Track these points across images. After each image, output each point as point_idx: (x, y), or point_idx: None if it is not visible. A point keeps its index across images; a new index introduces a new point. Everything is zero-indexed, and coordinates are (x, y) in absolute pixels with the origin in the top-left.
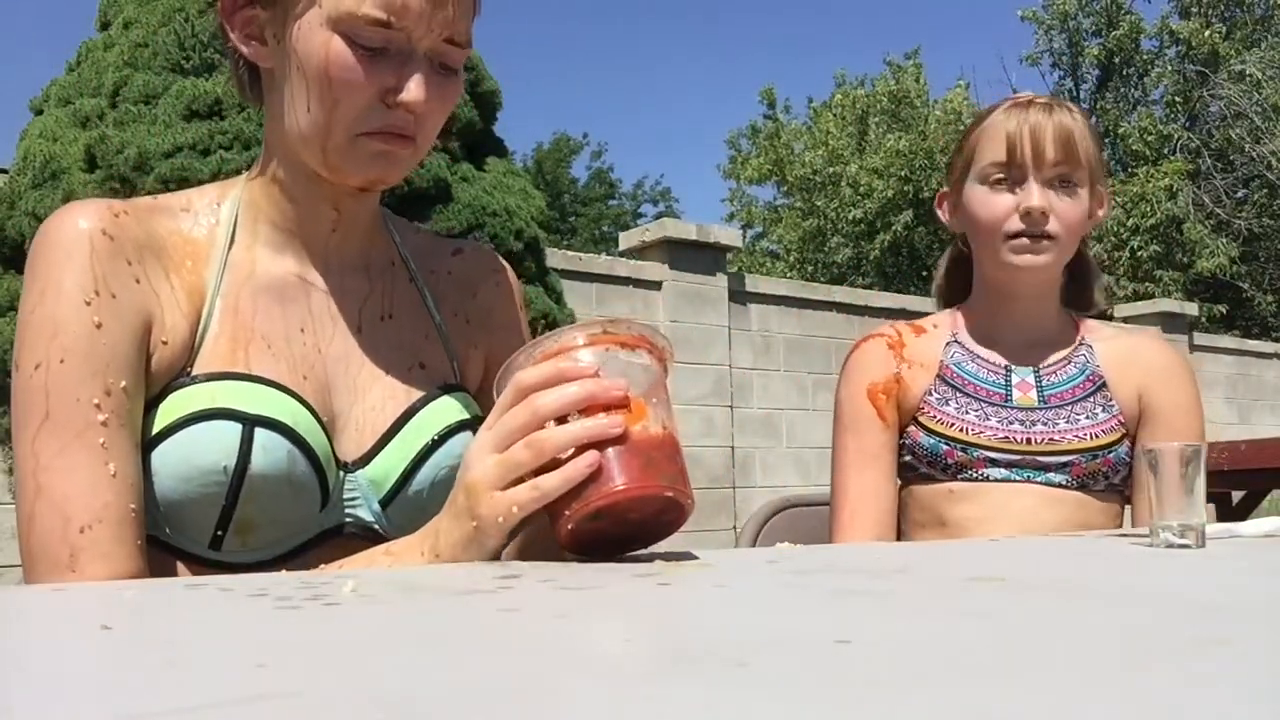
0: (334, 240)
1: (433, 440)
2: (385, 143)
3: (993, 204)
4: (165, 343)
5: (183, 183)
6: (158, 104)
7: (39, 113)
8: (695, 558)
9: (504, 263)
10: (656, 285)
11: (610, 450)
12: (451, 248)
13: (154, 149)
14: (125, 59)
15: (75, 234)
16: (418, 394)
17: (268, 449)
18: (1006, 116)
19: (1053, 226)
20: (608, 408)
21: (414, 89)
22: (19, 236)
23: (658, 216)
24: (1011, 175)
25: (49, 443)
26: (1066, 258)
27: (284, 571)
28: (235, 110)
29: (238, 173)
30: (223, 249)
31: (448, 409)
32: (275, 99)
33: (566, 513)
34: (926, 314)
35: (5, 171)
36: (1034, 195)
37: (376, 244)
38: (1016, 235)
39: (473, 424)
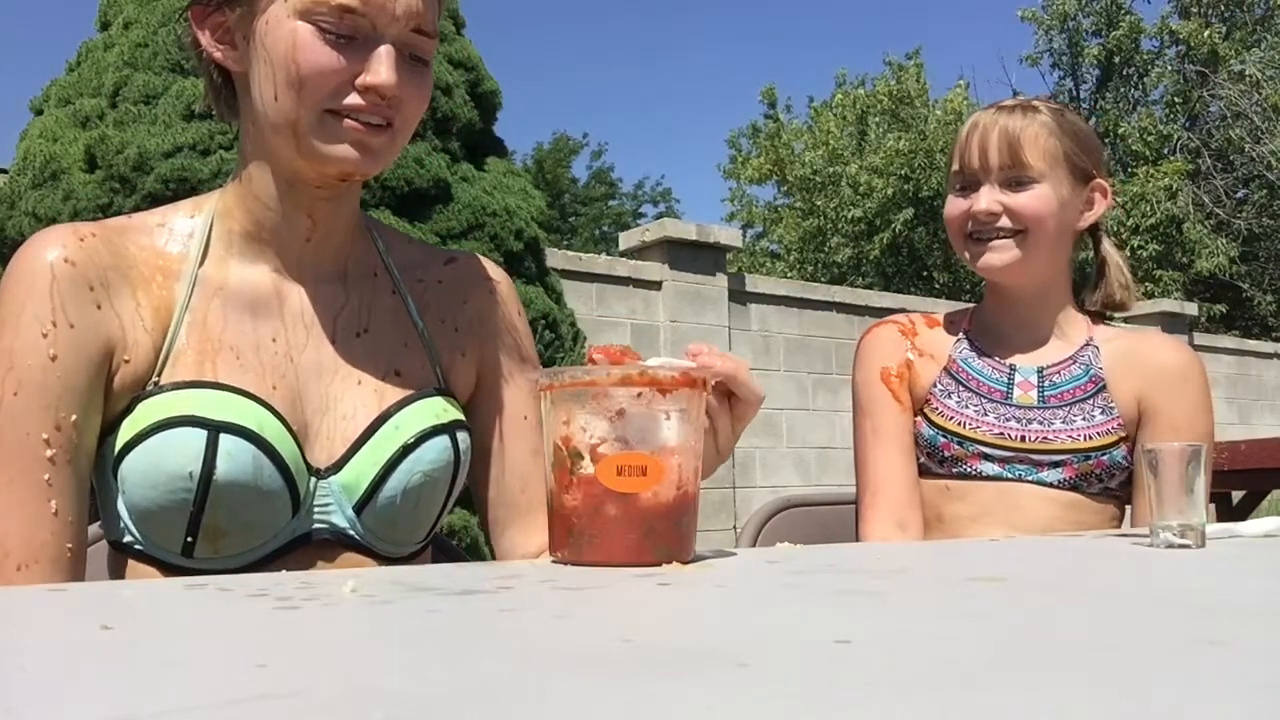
0: (309, 250)
1: (405, 446)
2: (358, 129)
3: (953, 208)
4: (128, 361)
5: (182, 183)
6: (158, 104)
7: (39, 113)
8: (695, 558)
9: (499, 271)
10: (656, 285)
11: (614, 512)
12: (445, 258)
13: (154, 149)
14: (125, 59)
15: (37, 265)
16: (390, 401)
17: (233, 455)
18: (967, 126)
19: (1006, 222)
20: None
21: (383, 72)
22: (19, 236)
23: (658, 216)
24: (967, 182)
25: None
26: (1043, 250)
27: (284, 572)
28: None
29: None
30: (194, 264)
31: (422, 414)
32: (247, 103)
33: (560, 553)
34: (927, 314)
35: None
36: (981, 199)
37: (355, 253)
38: (973, 236)
39: (450, 427)
